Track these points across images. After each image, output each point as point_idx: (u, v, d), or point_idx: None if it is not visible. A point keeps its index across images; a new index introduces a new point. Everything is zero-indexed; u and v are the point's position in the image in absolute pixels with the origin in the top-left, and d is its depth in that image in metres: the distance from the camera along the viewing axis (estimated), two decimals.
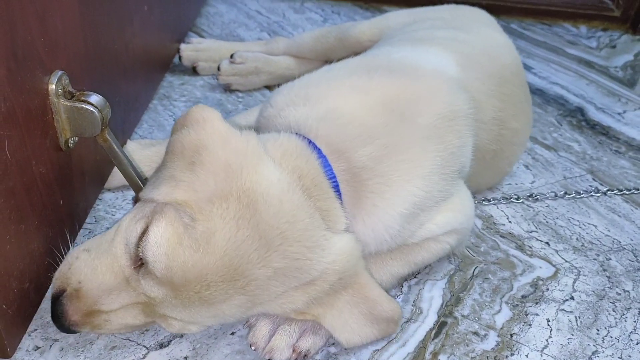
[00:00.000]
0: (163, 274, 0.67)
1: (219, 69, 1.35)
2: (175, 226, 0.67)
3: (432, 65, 0.90)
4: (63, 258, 0.75)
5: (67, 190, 0.83)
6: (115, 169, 0.98)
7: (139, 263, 0.69)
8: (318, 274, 0.72)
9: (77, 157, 0.84)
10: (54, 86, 0.73)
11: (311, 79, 0.88)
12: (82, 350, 0.79)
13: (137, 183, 0.84)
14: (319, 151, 0.76)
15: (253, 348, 0.78)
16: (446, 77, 0.89)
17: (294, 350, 0.77)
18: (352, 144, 0.78)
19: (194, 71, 1.42)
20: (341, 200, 0.76)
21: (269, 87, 1.40)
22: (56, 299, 0.73)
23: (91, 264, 0.72)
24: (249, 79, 1.37)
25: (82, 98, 0.76)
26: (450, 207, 0.85)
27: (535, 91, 1.49)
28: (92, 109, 0.75)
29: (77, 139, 0.80)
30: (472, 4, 1.26)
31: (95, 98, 0.76)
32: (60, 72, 0.74)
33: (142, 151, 0.96)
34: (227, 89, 1.38)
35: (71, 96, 0.76)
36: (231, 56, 1.36)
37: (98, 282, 0.71)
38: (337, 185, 0.76)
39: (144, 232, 0.68)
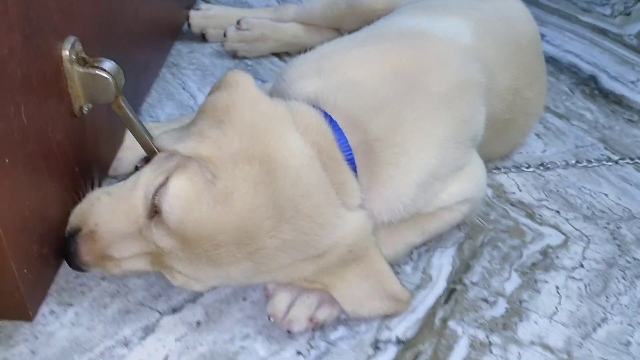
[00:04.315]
0: (176, 227, 0.68)
1: (225, 35, 1.34)
2: (195, 182, 0.68)
3: (446, 33, 0.89)
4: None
5: (81, 157, 0.83)
6: (120, 154, 0.98)
7: (154, 212, 0.70)
8: (327, 249, 0.72)
9: (90, 124, 0.85)
10: (67, 52, 0.72)
11: (323, 51, 0.88)
12: (96, 314, 0.80)
13: (153, 150, 0.84)
14: (335, 125, 0.76)
15: (272, 319, 0.79)
16: (459, 45, 0.88)
17: (310, 321, 0.79)
18: (367, 115, 0.78)
19: (202, 38, 1.41)
20: (356, 174, 0.76)
21: (278, 55, 1.39)
22: (71, 236, 0.74)
23: (110, 209, 0.73)
24: (255, 46, 1.36)
25: (96, 64, 0.75)
26: (463, 176, 0.85)
27: (548, 59, 1.47)
28: (105, 75, 0.75)
29: (90, 105, 0.80)
30: None
31: (108, 64, 0.76)
32: (73, 38, 0.73)
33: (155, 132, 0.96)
34: (234, 55, 1.36)
35: (84, 62, 0.76)
36: (237, 22, 1.34)
37: (113, 228, 0.72)
38: (353, 159, 0.76)
39: (164, 184, 0.69)
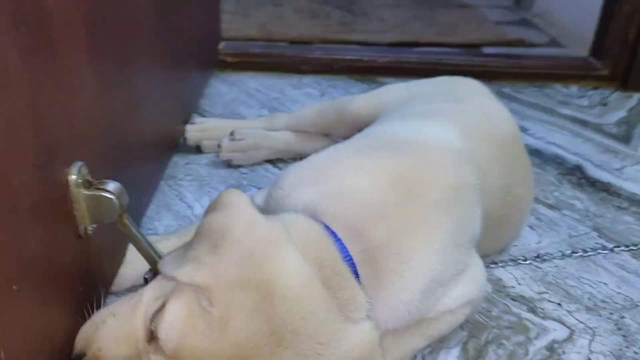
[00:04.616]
0: (173, 354, 0.68)
1: (219, 146, 1.39)
2: (191, 308, 0.68)
3: (436, 138, 0.93)
4: None
5: (86, 276, 0.84)
6: (122, 270, 0.99)
7: (152, 337, 0.70)
8: None
9: (94, 243, 0.86)
10: (74, 177, 0.75)
11: (319, 159, 0.91)
12: None
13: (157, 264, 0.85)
14: (335, 235, 0.77)
15: None
16: (451, 150, 0.92)
17: None
18: (366, 224, 0.79)
19: (198, 150, 1.46)
20: (360, 284, 0.77)
21: (272, 162, 1.44)
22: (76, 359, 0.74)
23: (114, 333, 0.73)
24: (249, 155, 1.41)
25: (100, 186, 0.78)
26: (464, 279, 0.86)
27: (533, 152, 1.52)
28: (110, 196, 0.77)
29: (95, 225, 0.82)
30: (465, 73, 1.31)
31: (112, 186, 0.78)
32: (80, 163, 0.76)
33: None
34: (229, 165, 1.41)
35: (89, 185, 0.78)
36: (231, 133, 1.40)
37: (116, 353, 0.72)
38: (355, 269, 0.77)
39: (161, 309, 0.69)
